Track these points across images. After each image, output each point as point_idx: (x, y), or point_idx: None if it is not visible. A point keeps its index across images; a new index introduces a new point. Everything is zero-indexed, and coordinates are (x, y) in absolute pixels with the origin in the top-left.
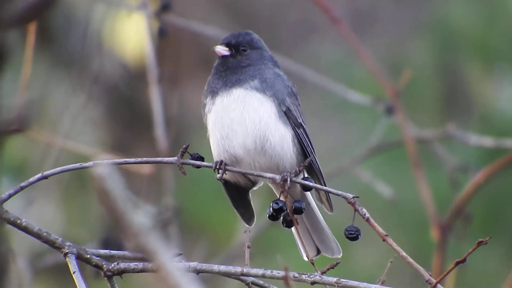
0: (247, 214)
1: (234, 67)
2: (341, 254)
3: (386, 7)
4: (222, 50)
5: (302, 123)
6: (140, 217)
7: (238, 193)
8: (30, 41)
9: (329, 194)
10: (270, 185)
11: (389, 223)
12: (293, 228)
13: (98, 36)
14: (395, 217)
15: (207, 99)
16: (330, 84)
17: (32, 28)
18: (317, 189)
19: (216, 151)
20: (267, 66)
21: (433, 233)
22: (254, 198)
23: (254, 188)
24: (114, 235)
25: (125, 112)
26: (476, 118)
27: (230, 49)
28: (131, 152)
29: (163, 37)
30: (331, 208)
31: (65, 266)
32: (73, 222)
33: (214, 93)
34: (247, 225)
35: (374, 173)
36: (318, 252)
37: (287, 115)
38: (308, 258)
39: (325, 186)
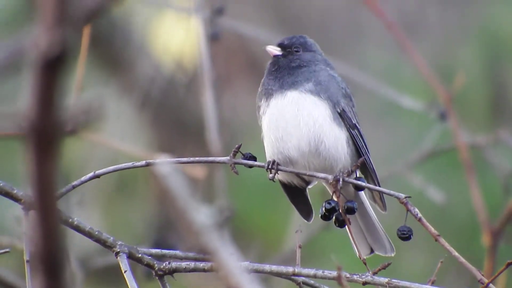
0: (305, 210)
1: (286, 67)
2: (394, 253)
3: (433, 12)
4: (273, 49)
5: (357, 124)
6: (202, 216)
7: (295, 191)
8: (84, 42)
9: (383, 193)
10: (324, 184)
11: (440, 227)
12: (346, 228)
13: (146, 39)
14: (447, 222)
15: (262, 101)
16: (382, 88)
17: (87, 29)
18: (369, 189)
19: (271, 152)
20: (321, 67)
21: (484, 238)
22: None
23: (309, 187)
24: (165, 236)
25: (172, 116)
26: None
27: (282, 50)
28: (178, 155)
29: (216, 40)
30: (384, 207)
31: (116, 268)
32: (116, 226)
33: (269, 95)
34: (306, 221)
35: (426, 179)
36: (372, 251)
37: (342, 117)
38: (361, 257)
39: (379, 184)
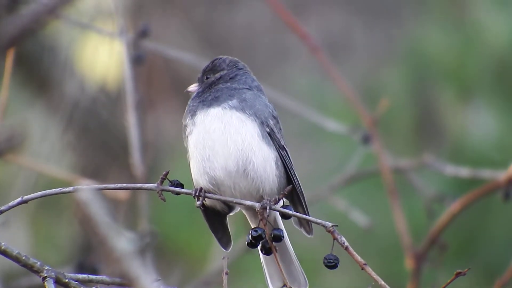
0: (224, 239)
1: (207, 91)
2: (307, 287)
3: (359, 34)
4: (192, 88)
5: (285, 146)
6: (122, 242)
7: (215, 218)
8: (8, 65)
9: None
10: (243, 211)
11: (364, 251)
12: (262, 258)
13: (71, 61)
14: (371, 246)
15: (187, 120)
16: (306, 111)
17: (10, 52)
18: (296, 217)
19: (197, 173)
20: (244, 87)
21: (408, 261)
22: (229, 223)
23: (231, 214)
24: (88, 259)
25: (96, 138)
26: (448, 147)
27: (199, 84)
28: (102, 177)
29: (140, 63)
30: (311, 231)
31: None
32: (40, 247)
33: (193, 113)
34: (224, 250)
35: (350, 202)
36: (284, 284)
37: (271, 136)
38: None
39: (307, 208)
